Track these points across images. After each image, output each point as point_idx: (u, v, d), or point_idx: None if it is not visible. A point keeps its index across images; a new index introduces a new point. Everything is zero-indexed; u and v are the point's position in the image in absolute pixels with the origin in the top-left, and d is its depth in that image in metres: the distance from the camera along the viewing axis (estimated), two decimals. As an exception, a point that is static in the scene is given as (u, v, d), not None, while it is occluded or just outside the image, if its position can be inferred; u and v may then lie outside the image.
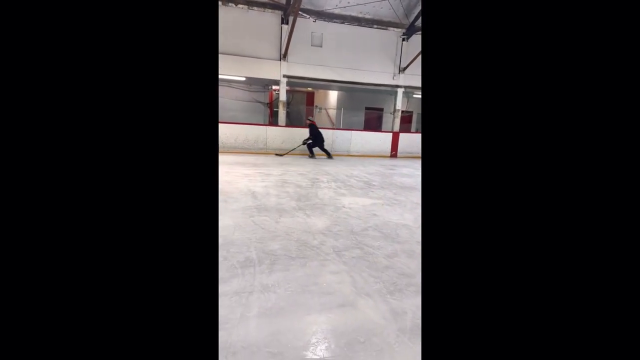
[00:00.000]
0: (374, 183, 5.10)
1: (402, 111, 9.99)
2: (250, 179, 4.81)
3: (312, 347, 1.35)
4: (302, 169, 5.98)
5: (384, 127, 11.11)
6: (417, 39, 9.17)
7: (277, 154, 7.32)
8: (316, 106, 12.41)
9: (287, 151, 7.97)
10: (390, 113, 10.14)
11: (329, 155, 8.21)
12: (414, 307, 1.68)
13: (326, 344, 1.38)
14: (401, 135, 9.61)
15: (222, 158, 6.73)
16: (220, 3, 7.68)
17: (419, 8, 8.54)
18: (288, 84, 8.73)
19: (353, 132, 9.19)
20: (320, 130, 8.28)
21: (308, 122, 8.22)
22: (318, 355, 1.31)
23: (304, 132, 8.57)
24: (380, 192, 4.48)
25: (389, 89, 9.52)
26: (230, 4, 7.78)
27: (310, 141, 8.00)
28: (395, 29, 9.05)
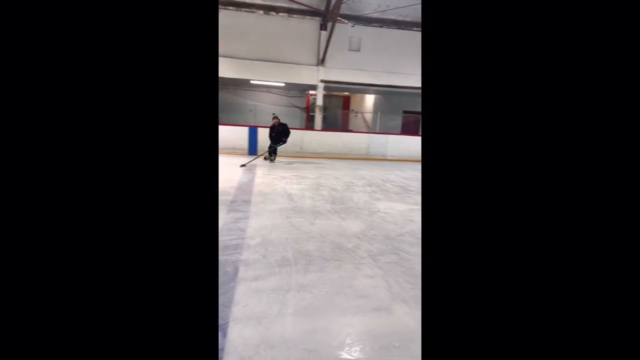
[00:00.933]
0: (410, 188, 4.99)
1: (442, 115, 9.63)
2: (287, 181, 4.94)
3: (347, 348, 1.37)
4: (337, 173, 6.01)
5: (422, 130, 10.81)
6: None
7: (242, 165, 5.79)
8: (352, 110, 12.41)
9: (250, 159, 6.58)
10: (429, 117, 9.84)
11: (274, 154, 7.24)
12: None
13: (361, 346, 1.39)
14: (440, 139, 9.27)
15: (260, 161, 6.98)
16: (262, 12, 8.02)
17: (462, 8, 8.23)
18: (325, 88, 8.84)
19: (390, 136, 9.05)
20: (354, 134, 8.20)
21: (276, 121, 7.03)
22: (353, 356, 1.33)
23: (341, 136, 8.59)
24: (417, 197, 4.37)
25: (428, 92, 9.26)
26: (271, 13, 8.09)
27: (283, 141, 7.06)
28: (436, 30, 8.81)
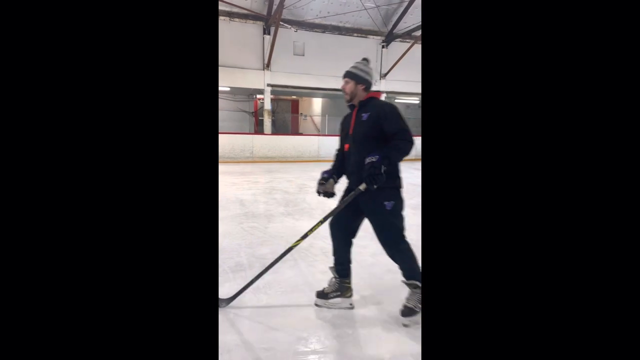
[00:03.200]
0: (360, 186, 5.20)
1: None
2: (238, 187, 4.84)
3: (303, 341, 1.42)
4: (289, 176, 6.04)
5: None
6: (396, 46, 9.46)
7: (291, 248, 1.73)
8: (301, 114, 12.55)
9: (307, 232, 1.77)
10: (374, 118, 10.35)
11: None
12: (398, 300, 1.77)
13: (317, 337, 1.44)
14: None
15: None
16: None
17: (396, 16, 8.84)
18: (272, 92, 8.83)
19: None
20: (305, 137, 8.22)
21: (349, 85, 1.75)
22: (309, 348, 1.38)
23: (291, 140, 8.64)
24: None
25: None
26: (211, 16, 7.87)
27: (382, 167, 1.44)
28: (374, 37, 9.32)
